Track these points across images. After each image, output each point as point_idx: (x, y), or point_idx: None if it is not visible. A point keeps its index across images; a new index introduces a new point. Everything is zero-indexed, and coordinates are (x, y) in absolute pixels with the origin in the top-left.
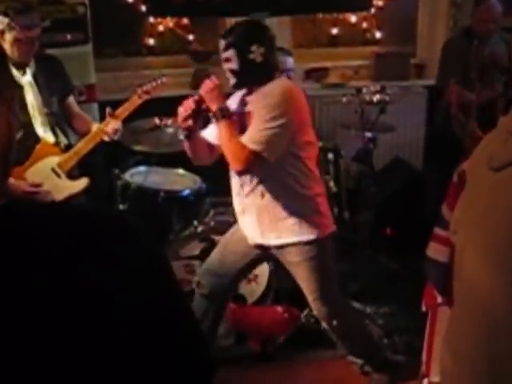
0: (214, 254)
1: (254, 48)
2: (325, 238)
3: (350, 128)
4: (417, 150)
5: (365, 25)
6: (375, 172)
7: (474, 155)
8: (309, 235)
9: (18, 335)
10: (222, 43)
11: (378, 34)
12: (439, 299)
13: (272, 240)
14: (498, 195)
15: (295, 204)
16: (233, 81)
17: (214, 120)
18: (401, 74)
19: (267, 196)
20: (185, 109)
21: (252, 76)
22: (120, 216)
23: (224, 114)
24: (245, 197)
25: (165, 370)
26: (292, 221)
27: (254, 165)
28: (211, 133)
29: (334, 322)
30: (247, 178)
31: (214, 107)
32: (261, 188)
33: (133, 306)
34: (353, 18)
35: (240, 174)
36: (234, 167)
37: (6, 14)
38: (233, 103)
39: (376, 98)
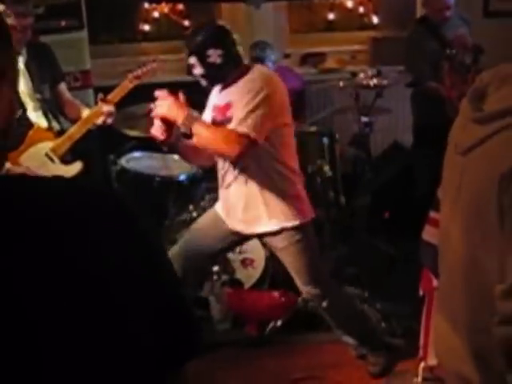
0: (188, 239)
1: (210, 52)
2: (307, 223)
3: (347, 112)
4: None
5: (361, 9)
6: (373, 157)
7: (448, 140)
8: (293, 221)
9: (20, 312)
10: (186, 51)
11: (374, 19)
12: (435, 282)
13: (258, 228)
14: (464, 176)
15: (278, 190)
16: (204, 83)
17: (185, 130)
18: (398, 59)
19: (250, 183)
20: (155, 129)
21: (219, 76)
22: (116, 194)
23: (192, 120)
24: (228, 186)
25: (152, 347)
26: (276, 207)
27: (247, 147)
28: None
29: (325, 304)
30: (230, 166)
31: (180, 120)
32: (244, 175)
33: (128, 283)
34: (349, 3)
35: (237, 159)
36: (229, 153)
37: (1, 1)
38: (212, 97)
39: (373, 82)
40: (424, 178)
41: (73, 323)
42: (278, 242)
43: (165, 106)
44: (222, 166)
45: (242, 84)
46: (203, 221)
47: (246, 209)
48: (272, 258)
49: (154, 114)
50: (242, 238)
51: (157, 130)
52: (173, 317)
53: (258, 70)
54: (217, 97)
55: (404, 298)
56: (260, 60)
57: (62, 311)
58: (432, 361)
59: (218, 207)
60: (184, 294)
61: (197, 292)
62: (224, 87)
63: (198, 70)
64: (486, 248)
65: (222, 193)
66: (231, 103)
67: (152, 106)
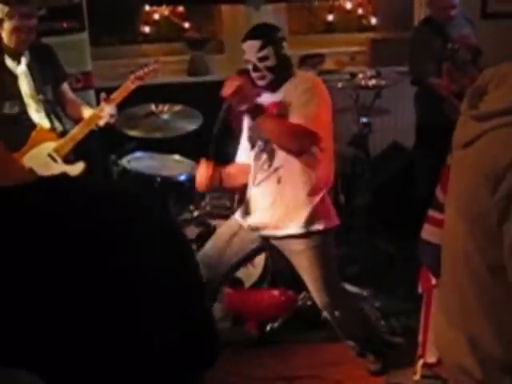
0: (209, 247)
1: (284, 44)
2: (330, 230)
3: (346, 113)
4: (412, 135)
5: (360, 11)
6: (372, 157)
7: (453, 138)
8: (318, 225)
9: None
10: (256, 44)
11: (373, 21)
12: (433, 281)
13: (282, 229)
14: (463, 169)
15: (306, 192)
16: (270, 77)
17: (250, 119)
18: (397, 60)
19: (282, 182)
20: (200, 180)
21: (286, 70)
22: (139, 192)
23: (259, 109)
24: (259, 184)
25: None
26: (303, 209)
27: (311, 144)
28: (244, 154)
29: (337, 313)
30: (264, 164)
31: (245, 107)
32: (277, 174)
33: (156, 279)
34: (348, 5)
35: (300, 154)
36: (295, 148)
37: (6, 3)
38: (263, 99)
39: (371, 82)
40: (424, 177)
41: (106, 318)
42: (295, 245)
43: (235, 86)
44: (256, 164)
45: (293, 86)
46: (223, 231)
47: (274, 207)
48: (272, 257)
49: (224, 92)
50: (260, 246)
51: (201, 180)
52: (198, 326)
53: (305, 74)
54: (267, 98)
55: (403, 296)
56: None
57: (111, 312)
58: (431, 358)
59: (239, 214)
60: (207, 304)
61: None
62: (274, 88)
63: (271, 62)
64: (485, 240)
65: (251, 191)
66: (285, 103)
67: (153, 106)
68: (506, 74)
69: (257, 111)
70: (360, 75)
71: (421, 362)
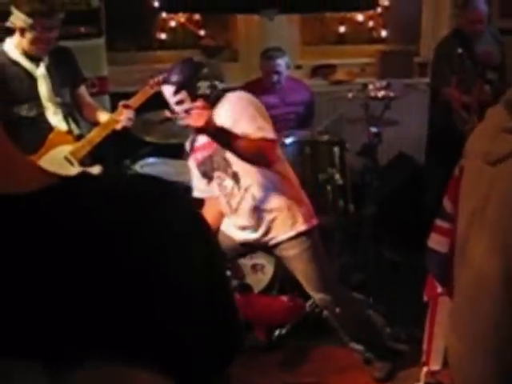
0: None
1: (200, 84)
2: (315, 228)
3: (356, 123)
4: (420, 145)
5: (371, 24)
6: (380, 166)
7: (469, 148)
8: (304, 226)
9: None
10: (170, 89)
11: (383, 33)
12: (439, 289)
13: (275, 238)
14: (494, 186)
15: (283, 197)
16: (186, 122)
17: (220, 141)
18: (405, 72)
19: (257, 198)
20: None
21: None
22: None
23: (228, 133)
24: (236, 209)
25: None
26: (287, 214)
27: (272, 148)
28: (202, 188)
29: (337, 310)
30: (233, 189)
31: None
32: (249, 192)
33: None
34: (359, 17)
35: (271, 162)
36: (267, 162)
37: (30, 16)
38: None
39: (381, 94)
40: (434, 186)
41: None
42: (289, 251)
43: (202, 119)
44: (224, 193)
45: (221, 109)
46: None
47: (257, 223)
48: (281, 264)
49: (187, 123)
50: (252, 250)
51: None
52: (221, 321)
53: (228, 95)
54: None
55: (408, 304)
56: (272, 58)
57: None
58: (435, 366)
59: (225, 228)
60: (234, 300)
61: None
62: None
63: (188, 105)
64: None
65: (229, 220)
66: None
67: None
68: None
69: (225, 135)
70: (371, 86)
71: (425, 369)
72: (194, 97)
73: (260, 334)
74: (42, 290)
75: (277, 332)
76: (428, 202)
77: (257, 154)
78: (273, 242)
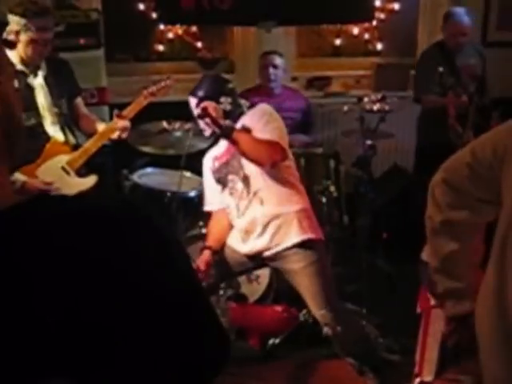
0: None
1: (222, 99)
2: (321, 241)
3: (351, 135)
4: (412, 158)
5: (367, 36)
6: (374, 178)
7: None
8: (309, 234)
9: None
10: (193, 101)
11: (379, 46)
12: (432, 301)
13: (280, 245)
14: None
15: (290, 206)
16: (209, 132)
17: (223, 137)
18: (400, 85)
19: (265, 203)
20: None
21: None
22: (134, 204)
23: (232, 127)
24: (243, 213)
25: (178, 355)
26: (292, 221)
27: (279, 154)
28: (215, 199)
29: (339, 328)
30: (243, 192)
31: (221, 122)
32: (258, 196)
33: (152, 293)
34: (355, 30)
35: (274, 164)
36: (272, 160)
37: (23, 16)
38: (221, 144)
39: (376, 106)
40: (424, 199)
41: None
42: (295, 264)
43: (213, 107)
44: (234, 197)
45: (247, 119)
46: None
47: (264, 229)
48: (276, 274)
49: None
50: (259, 263)
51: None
52: (200, 334)
53: (256, 107)
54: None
55: (401, 314)
56: (270, 53)
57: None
58: (427, 377)
59: (232, 242)
60: (213, 310)
61: None
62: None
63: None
64: None
65: (237, 224)
66: (246, 127)
67: (165, 123)
68: None
69: (230, 128)
70: (366, 99)
71: (417, 380)
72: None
73: (254, 343)
74: None
75: (271, 341)
76: (417, 214)
77: (261, 150)
78: (278, 248)
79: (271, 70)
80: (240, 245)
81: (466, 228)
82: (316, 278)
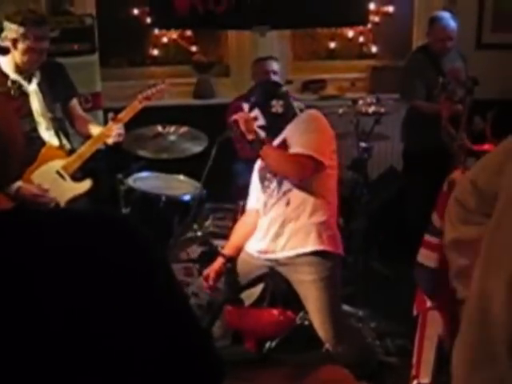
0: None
1: (273, 103)
2: (337, 256)
3: (346, 138)
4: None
5: (361, 39)
6: (370, 180)
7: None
8: (325, 246)
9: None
10: (246, 106)
11: (373, 49)
12: (428, 304)
13: (293, 249)
14: None
15: (314, 216)
16: (263, 134)
17: (255, 148)
18: (395, 87)
19: (292, 204)
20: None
21: (279, 127)
22: (121, 218)
23: (262, 141)
24: (269, 211)
25: (171, 373)
26: (311, 230)
27: (312, 168)
28: (255, 199)
29: (340, 348)
30: (274, 191)
31: (250, 137)
32: (286, 197)
33: (132, 308)
34: (350, 33)
35: (302, 179)
36: (299, 177)
37: (22, 24)
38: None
39: (371, 109)
40: (416, 201)
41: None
42: (307, 276)
43: (245, 118)
44: (265, 194)
45: (293, 124)
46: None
47: (282, 230)
48: (272, 278)
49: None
50: (265, 273)
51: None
52: (190, 353)
53: (305, 112)
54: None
55: (398, 317)
56: (265, 59)
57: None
58: (424, 379)
59: (249, 244)
60: (201, 328)
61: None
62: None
63: (260, 122)
64: None
65: (262, 222)
66: (286, 139)
67: (160, 127)
68: None
69: (260, 143)
70: (360, 102)
71: (415, 382)
72: (266, 115)
73: (251, 346)
74: None
75: (267, 344)
76: (411, 217)
77: (288, 168)
78: (292, 253)
79: (273, 76)
80: (257, 243)
81: (475, 245)
82: (325, 293)
